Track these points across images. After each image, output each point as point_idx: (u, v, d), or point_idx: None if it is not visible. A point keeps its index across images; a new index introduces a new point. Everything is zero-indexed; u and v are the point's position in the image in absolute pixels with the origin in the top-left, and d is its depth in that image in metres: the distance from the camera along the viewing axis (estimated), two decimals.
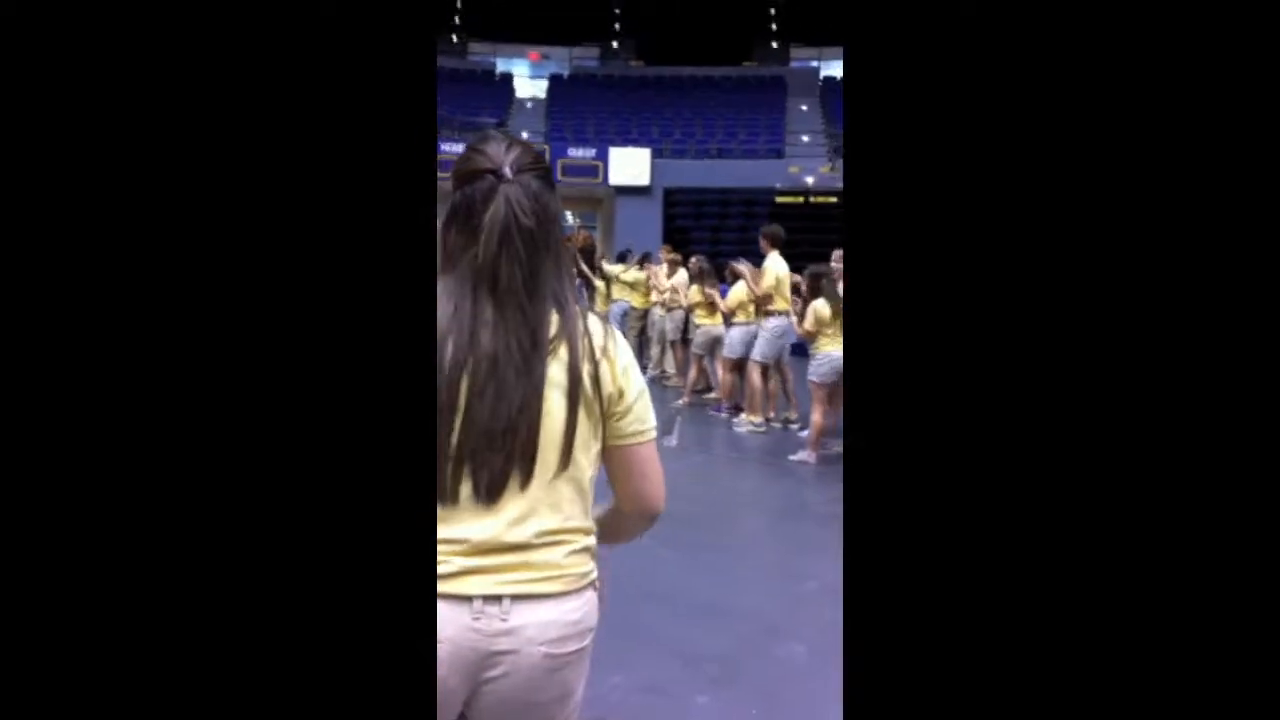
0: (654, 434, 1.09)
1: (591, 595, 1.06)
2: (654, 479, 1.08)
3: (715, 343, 6.54)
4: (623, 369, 1.05)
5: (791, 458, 5.00)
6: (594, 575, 1.07)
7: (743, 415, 6.04)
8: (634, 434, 1.06)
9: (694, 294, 6.74)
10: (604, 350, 1.03)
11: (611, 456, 1.06)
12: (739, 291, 6.15)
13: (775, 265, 5.76)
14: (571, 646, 1.01)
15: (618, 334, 1.08)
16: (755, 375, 5.81)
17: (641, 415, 1.07)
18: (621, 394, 1.04)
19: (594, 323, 1.05)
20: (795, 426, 5.85)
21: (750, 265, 6.01)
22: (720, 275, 6.74)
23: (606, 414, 1.04)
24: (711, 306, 6.51)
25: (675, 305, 7.32)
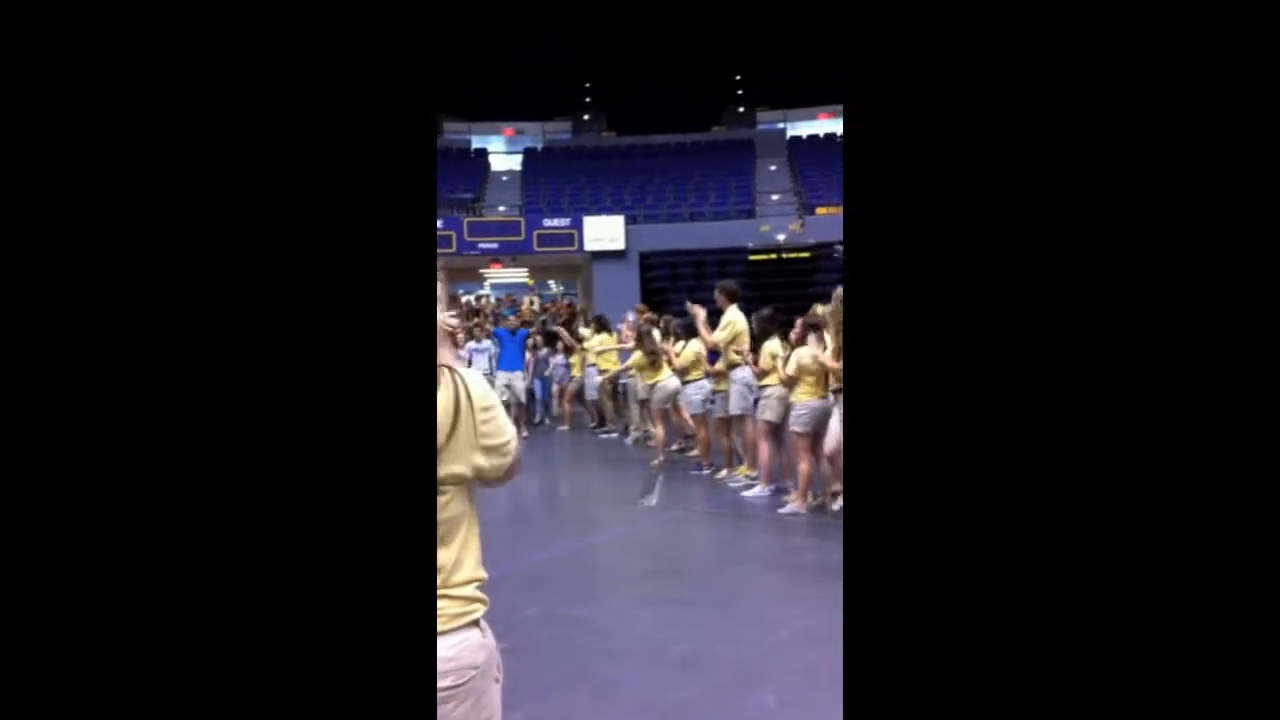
0: (514, 452, 1.22)
1: (468, 635, 1.14)
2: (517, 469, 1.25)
3: (674, 396, 6.61)
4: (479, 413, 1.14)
5: (782, 510, 5.01)
6: (471, 616, 1.15)
7: (725, 471, 6.08)
8: (502, 466, 1.19)
9: (636, 357, 6.82)
10: (454, 418, 1.12)
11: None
12: (691, 351, 6.26)
13: (736, 318, 5.92)
14: (443, 682, 1.08)
15: (474, 388, 1.16)
16: (749, 429, 5.85)
17: (501, 457, 1.19)
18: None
19: (444, 391, 1.13)
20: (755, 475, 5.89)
21: (705, 324, 6.10)
22: (666, 331, 6.82)
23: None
24: (654, 365, 6.59)
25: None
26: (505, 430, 1.20)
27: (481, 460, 1.16)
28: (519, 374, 8.66)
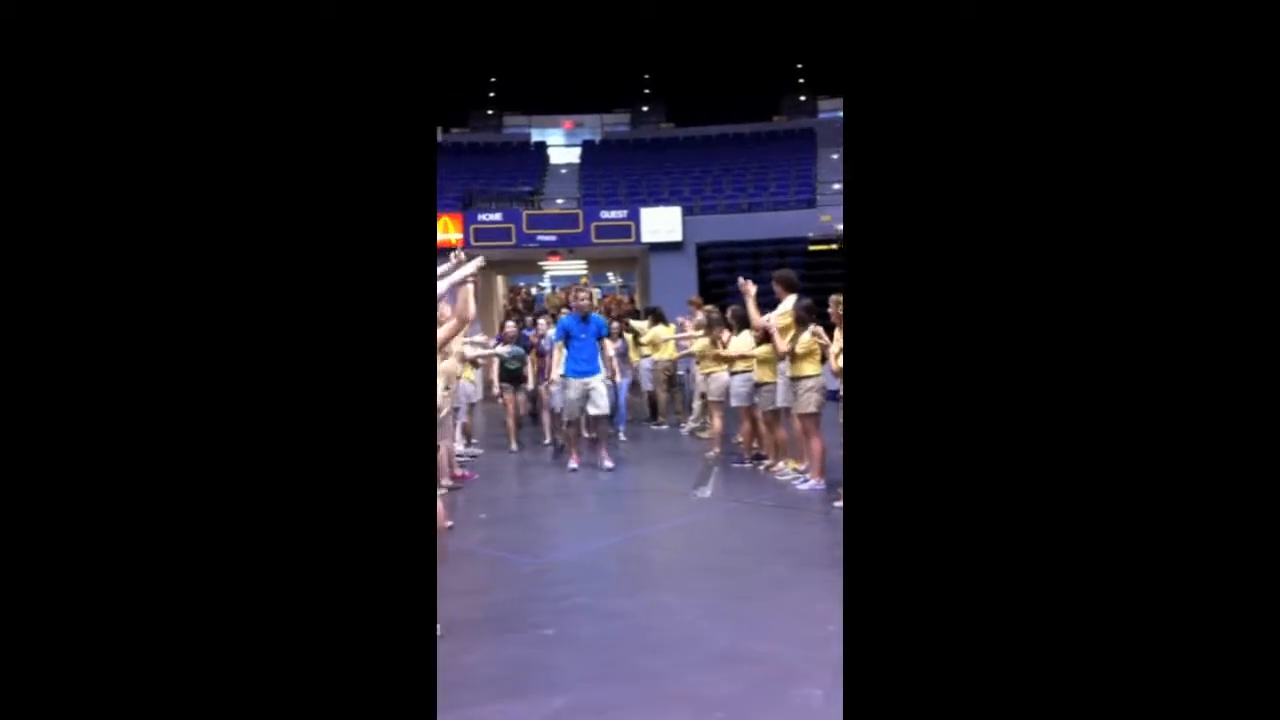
0: None
1: None
2: None
3: (729, 387, 6.54)
4: None
5: (836, 504, 4.89)
6: None
7: (781, 464, 5.99)
8: None
9: (702, 344, 6.79)
10: None
11: None
12: (741, 343, 6.16)
13: (792, 308, 5.78)
14: None
15: None
16: (798, 424, 5.76)
17: None
18: None
19: None
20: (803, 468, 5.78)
21: (754, 302, 5.94)
22: (726, 323, 6.75)
23: None
24: (719, 356, 6.52)
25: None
26: None
27: None
28: (599, 376, 6.27)
